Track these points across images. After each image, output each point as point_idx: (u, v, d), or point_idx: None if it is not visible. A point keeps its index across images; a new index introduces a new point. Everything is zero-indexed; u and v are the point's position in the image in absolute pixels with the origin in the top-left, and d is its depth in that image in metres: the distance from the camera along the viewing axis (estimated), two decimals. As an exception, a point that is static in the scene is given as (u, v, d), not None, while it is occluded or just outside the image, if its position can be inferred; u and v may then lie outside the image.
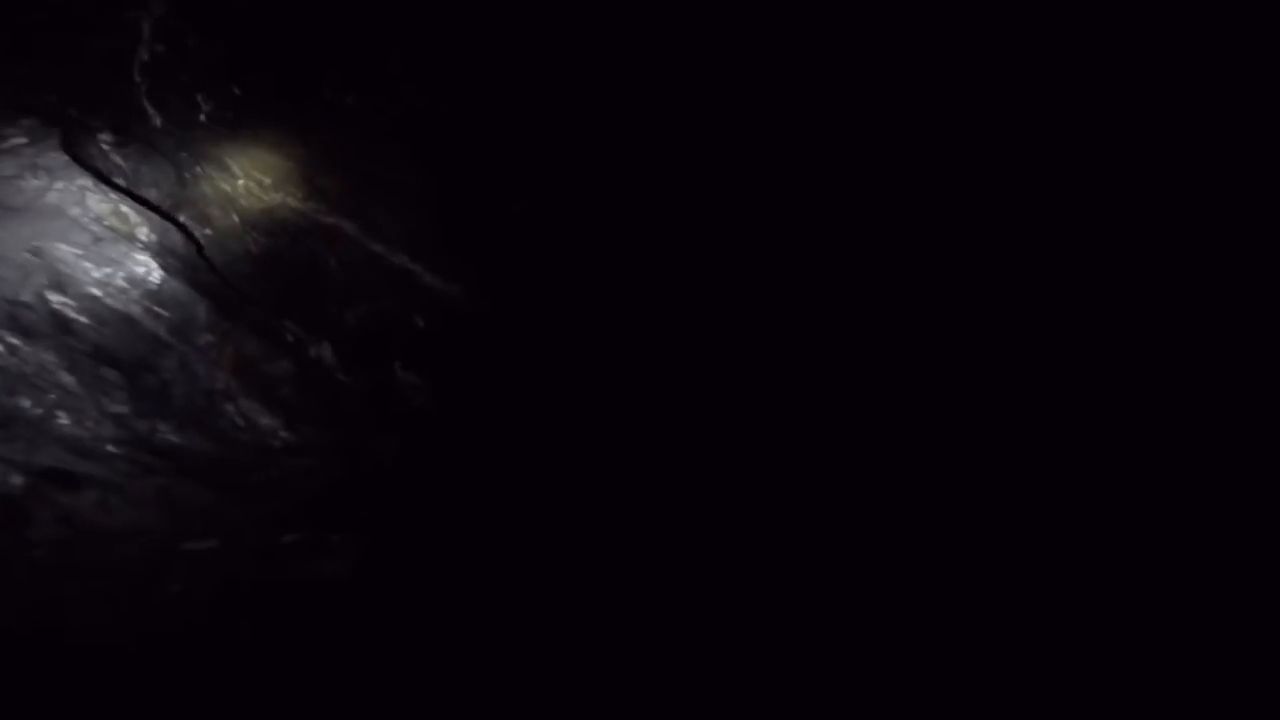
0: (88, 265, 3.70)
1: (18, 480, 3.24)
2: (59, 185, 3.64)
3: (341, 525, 3.09)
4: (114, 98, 3.44)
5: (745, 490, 3.57)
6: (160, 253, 3.72)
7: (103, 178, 3.62)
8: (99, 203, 3.66)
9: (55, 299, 3.63)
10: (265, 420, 3.78)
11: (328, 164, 3.62)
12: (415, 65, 3.44)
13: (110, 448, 3.56)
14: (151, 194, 3.53)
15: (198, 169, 3.56)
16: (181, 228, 3.67)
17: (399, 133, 3.56)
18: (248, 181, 3.68)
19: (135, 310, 3.74)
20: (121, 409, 3.65)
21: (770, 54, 3.14)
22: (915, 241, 3.42)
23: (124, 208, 3.68)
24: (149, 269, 3.78)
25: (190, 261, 3.70)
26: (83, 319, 3.66)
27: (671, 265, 3.90)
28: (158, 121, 3.48)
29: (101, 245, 3.74)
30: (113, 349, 3.68)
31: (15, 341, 3.56)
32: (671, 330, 3.96)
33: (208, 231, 3.67)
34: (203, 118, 3.54)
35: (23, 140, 3.62)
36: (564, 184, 3.65)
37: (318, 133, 3.55)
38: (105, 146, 3.47)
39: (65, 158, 3.60)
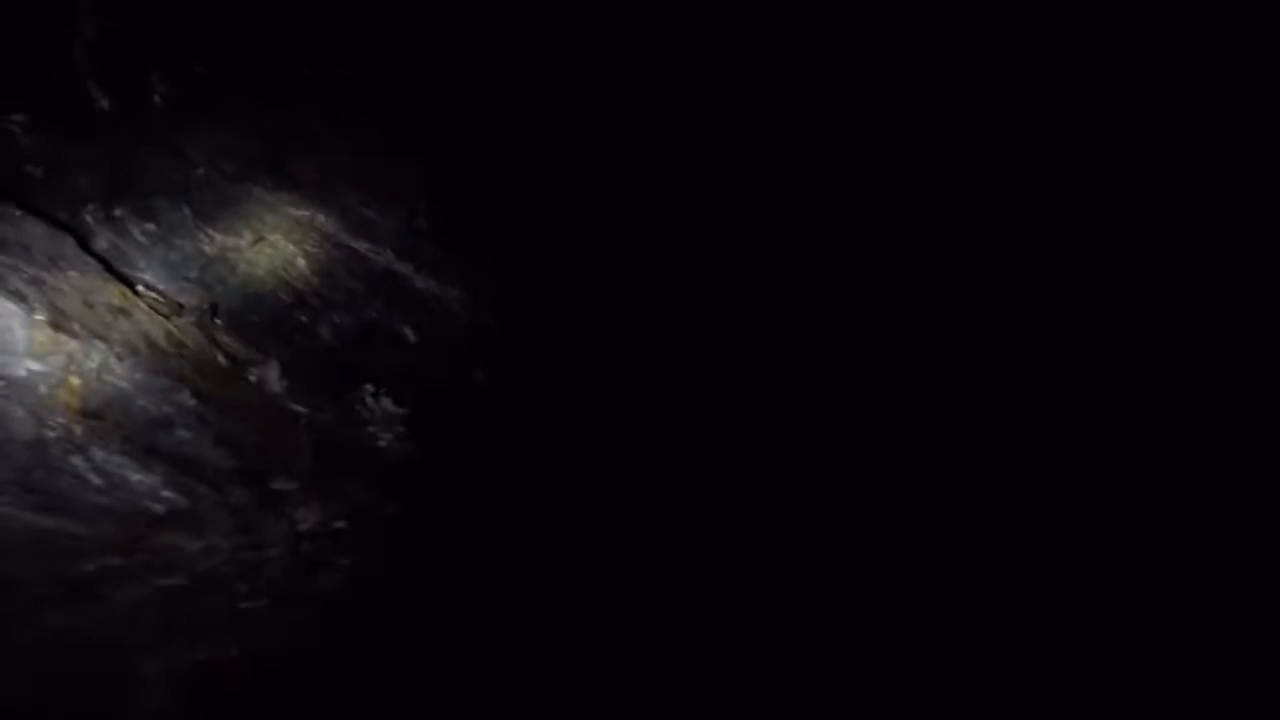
0: None
1: None
2: None
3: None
4: (47, 77, 2.67)
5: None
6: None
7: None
8: None
9: None
10: (138, 477, 2.22)
11: (301, 146, 2.90)
12: (403, 33, 3.06)
13: None
14: (80, 181, 2.50)
15: (144, 156, 2.67)
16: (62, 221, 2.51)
17: (386, 111, 2.99)
18: (208, 170, 2.79)
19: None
20: None
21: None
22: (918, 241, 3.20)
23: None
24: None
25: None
26: None
27: (685, 266, 3.35)
28: (104, 104, 2.68)
29: None
30: None
31: None
32: (690, 338, 3.23)
33: (150, 226, 2.63)
34: (157, 99, 2.79)
35: None
36: (581, 171, 3.15)
37: (291, 111, 2.90)
38: (14, 129, 2.51)
39: None
